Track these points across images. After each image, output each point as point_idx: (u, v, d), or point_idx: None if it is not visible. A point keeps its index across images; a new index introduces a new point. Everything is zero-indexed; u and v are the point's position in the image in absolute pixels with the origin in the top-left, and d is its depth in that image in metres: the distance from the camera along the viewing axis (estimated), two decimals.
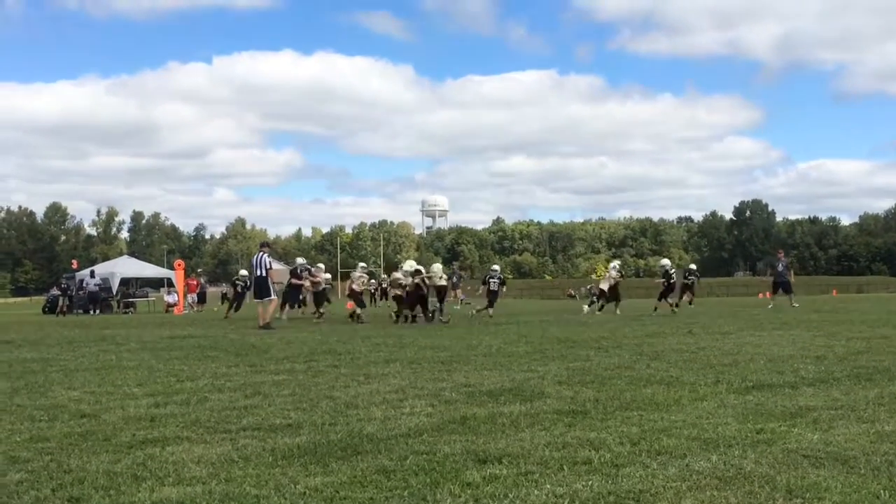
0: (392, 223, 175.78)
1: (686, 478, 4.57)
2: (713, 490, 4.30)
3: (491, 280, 27.97)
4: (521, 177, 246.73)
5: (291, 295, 28.03)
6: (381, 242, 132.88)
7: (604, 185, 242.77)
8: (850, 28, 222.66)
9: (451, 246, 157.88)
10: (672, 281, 28.10)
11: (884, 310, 27.34)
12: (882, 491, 4.23)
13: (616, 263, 31.68)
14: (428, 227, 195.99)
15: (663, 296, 27.67)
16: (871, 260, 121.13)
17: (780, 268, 28.71)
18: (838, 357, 11.24)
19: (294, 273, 27.57)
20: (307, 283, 27.13)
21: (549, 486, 4.45)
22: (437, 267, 25.07)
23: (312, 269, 28.03)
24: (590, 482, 4.52)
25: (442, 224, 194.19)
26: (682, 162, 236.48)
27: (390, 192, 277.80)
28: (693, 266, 37.12)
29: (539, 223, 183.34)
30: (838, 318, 22.21)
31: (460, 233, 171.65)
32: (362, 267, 28.48)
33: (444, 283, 24.27)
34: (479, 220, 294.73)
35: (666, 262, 30.52)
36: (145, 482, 4.74)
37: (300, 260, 30.65)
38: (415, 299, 23.26)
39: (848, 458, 5.01)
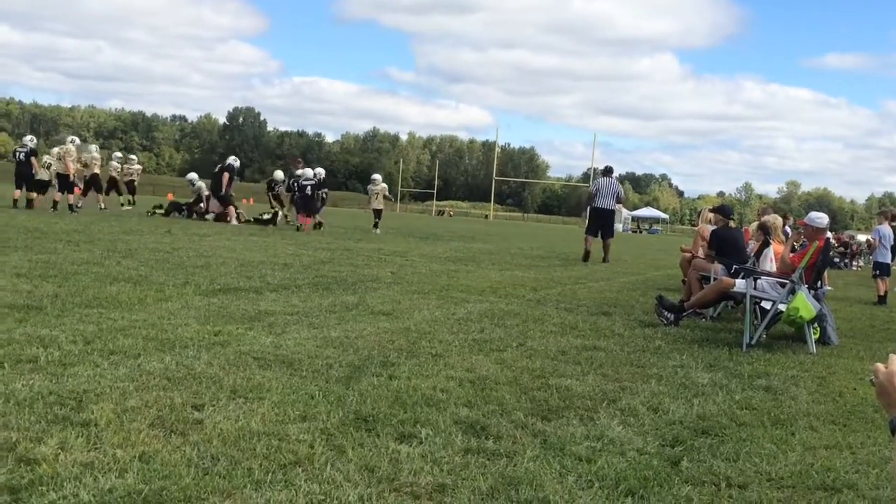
0: None
1: (135, 378, 4.55)
2: (160, 390, 4.33)
3: None
4: (4, 50, 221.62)
5: None
6: None
7: (98, 71, 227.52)
8: None
9: None
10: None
11: (351, 225, 29.75)
12: (317, 392, 4.61)
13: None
14: None
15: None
16: (348, 177, 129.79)
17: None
18: (304, 265, 12.00)
19: None
20: None
21: None
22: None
23: None
24: (31, 381, 4.28)
25: None
26: (184, 59, 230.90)
27: None
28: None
29: (21, 102, 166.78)
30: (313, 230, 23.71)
31: None
32: None
33: None
34: None
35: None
36: None
37: None
38: None
39: (294, 360, 5.38)
